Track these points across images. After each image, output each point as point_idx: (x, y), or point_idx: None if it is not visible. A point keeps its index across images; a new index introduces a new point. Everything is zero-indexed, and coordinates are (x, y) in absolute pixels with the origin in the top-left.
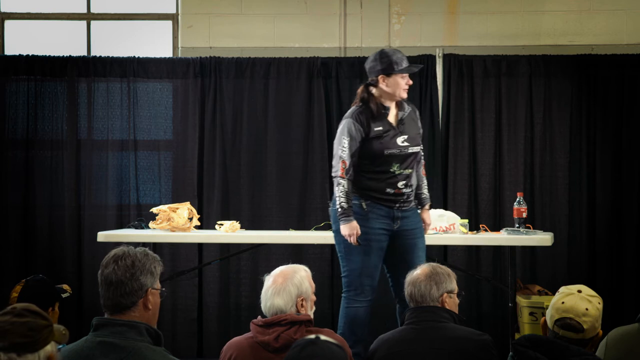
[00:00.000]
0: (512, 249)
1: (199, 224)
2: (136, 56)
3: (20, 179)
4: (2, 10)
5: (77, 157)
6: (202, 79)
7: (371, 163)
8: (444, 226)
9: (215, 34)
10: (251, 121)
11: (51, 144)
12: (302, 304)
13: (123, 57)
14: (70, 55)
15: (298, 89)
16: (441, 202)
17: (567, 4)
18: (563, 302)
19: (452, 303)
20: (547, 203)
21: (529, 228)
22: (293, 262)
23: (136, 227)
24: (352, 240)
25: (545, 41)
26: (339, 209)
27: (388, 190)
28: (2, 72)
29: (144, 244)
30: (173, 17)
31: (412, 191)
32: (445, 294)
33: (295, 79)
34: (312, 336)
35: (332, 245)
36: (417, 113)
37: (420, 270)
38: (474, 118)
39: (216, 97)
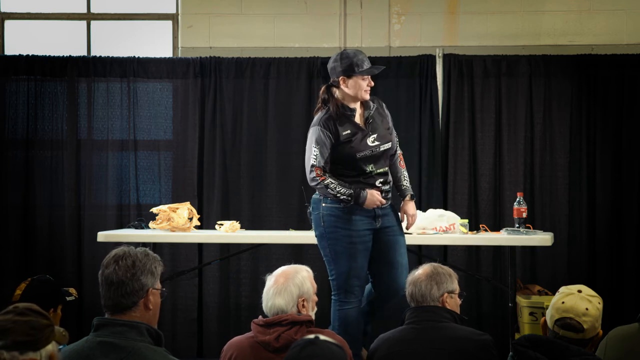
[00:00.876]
0: (512, 249)
1: (199, 224)
2: (136, 56)
3: (20, 179)
4: (2, 10)
5: (77, 157)
6: (202, 79)
7: (345, 167)
8: (444, 226)
9: (215, 34)
10: (251, 121)
11: (51, 144)
12: (303, 305)
13: (123, 57)
14: (70, 55)
15: (298, 89)
16: (441, 202)
17: (567, 4)
18: (563, 302)
19: (453, 303)
20: (547, 203)
21: (529, 228)
22: (293, 262)
23: (136, 227)
24: (382, 201)
25: (545, 41)
26: (348, 198)
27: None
28: (2, 72)
29: (144, 244)
30: (173, 17)
31: (390, 188)
32: (446, 294)
33: (295, 79)
34: (312, 336)
35: None
36: (384, 106)
37: (421, 270)
38: (474, 118)
39: (216, 97)
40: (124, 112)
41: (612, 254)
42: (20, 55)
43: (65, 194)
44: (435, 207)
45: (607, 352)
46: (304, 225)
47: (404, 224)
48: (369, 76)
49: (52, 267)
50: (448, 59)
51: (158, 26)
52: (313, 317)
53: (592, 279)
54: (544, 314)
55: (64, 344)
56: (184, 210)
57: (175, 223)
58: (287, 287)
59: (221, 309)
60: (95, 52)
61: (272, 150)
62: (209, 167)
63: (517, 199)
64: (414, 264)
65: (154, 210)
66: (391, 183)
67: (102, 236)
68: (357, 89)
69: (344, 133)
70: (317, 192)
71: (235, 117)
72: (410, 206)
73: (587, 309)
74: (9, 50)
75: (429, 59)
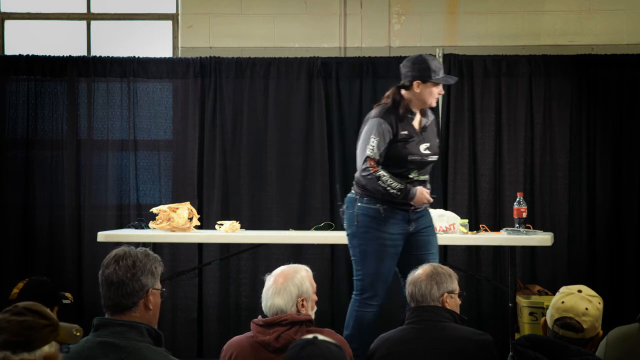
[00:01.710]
0: (512, 249)
1: (199, 224)
2: (136, 56)
3: (20, 179)
4: (2, 10)
5: (77, 157)
6: (202, 79)
7: (392, 167)
8: (444, 226)
9: (215, 34)
10: (251, 121)
11: (51, 144)
12: (302, 304)
13: (123, 57)
14: (70, 55)
15: (298, 89)
16: (441, 202)
17: (567, 4)
18: (563, 302)
19: (453, 303)
20: (547, 203)
21: (529, 228)
22: (293, 262)
23: (136, 227)
24: (429, 199)
25: (545, 41)
26: (398, 193)
27: None
28: (2, 72)
29: (144, 244)
30: (173, 17)
31: None
32: (446, 294)
33: (295, 79)
34: (310, 336)
35: (332, 245)
36: (437, 124)
37: (421, 270)
38: (474, 118)
39: (216, 97)
40: (124, 112)
41: (612, 254)
42: (20, 55)
43: (65, 194)
44: (435, 207)
45: (607, 352)
46: (303, 226)
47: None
48: (441, 85)
49: (52, 267)
50: (448, 59)
51: (158, 26)
52: (313, 316)
53: (592, 279)
54: (544, 314)
55: (73, 344)
56: (184, 210)
57: (175, 223)
58: (286, 287)
59: (221, 309)
60: (95, 52)
61: (272, 150)
62: (209, 167)
63: (517, 199)
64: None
65: (154, 210)
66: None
67: (102, 236)
68: (429, 95)
69: (402, 132)
70: (352, 191)
71: (235, 117)
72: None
73: (587, 308)
74: (9, 50)
75: None
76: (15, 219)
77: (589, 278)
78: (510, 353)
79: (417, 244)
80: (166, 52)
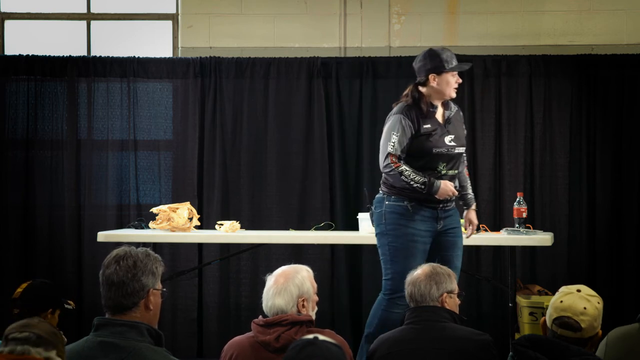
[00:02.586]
0: (512, 249)
1: (199, 224)
2: (136, 56)
3: (20, 179)
4: (2, 10)
5: (77, 157)
6: (202, 79)
7: (418, 162)
8: None
9: (215, 34)
10: (251, 121)
11: (51, 144)
12: (303, 305)
13: (123, 57)
14: (70, 55)
15: (298, 89)
16: None
17: (567, 4)
18: (562, 301)
19: (453, 303)
20: (547, 203)
21: (529, 228)
22: (293, 262)
23: (136, 227)
24: (455, 192)
25: (545, 41)
26: (422, 187)
27: None
28: (2, 72)
29: (144, 244)
30: (173, 17)
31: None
32: (445, 294)
33: (295, 79)
34: (311, 336)
35: (332, 245)
36: (461, 114)
37: (420, 271)
38: (474, 118)
39: (216, 97)
40: (124, 112)
41: (612, 254)
42: (20, 55)
43: (65, 194)
44: None
45: (607, 352)
46: (303, 226)
47: (466, 232)
48: (457, 73)
49: (52, 267)
50: None
51: (158, 26)
52: (313, 317)
53: (592, 279)
54: (544, 314)
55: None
56: (184, 210)
57: (175, 223)
58: (287, 287)
59: (221, 309)
60: (95, 52)
61: (272, 150)
62: (209, 167)
63: (517, 199)
64: None
65: (154, 210)
66: (457, 188)
67: (102, 236)
68: (446, 86)
69: (425, 126)
70: (380, 192)
71: (235, 117)
72: (474, 215)
73: (585, 308)
74: (9, 50)
75: None
76: (15, 219)
77: (589, 278)
78: (510, 353)
79: (444, 244)
80: (166, 52)
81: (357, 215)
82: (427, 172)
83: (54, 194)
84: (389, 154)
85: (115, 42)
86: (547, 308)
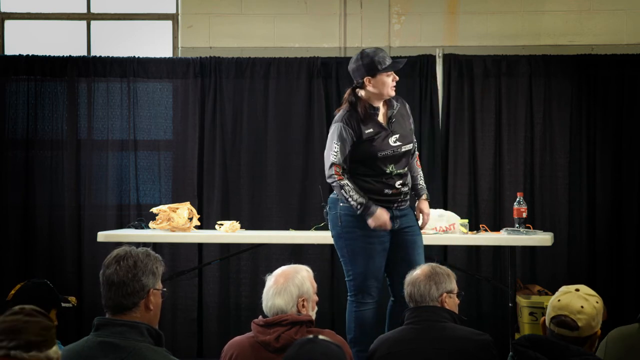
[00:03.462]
0: (512, 249)
1: (199, 224)
2: (136, 56)
3: (20, 179)
4: (2, 10)
5: (77, 157)
6: (202, 79)
7: (365, 166)
8: (444, 226)
9: (215, 34)
10: (251, 121)
11: (51, 144)
12: (303, 305)
13: (123, 57)
14: (70, 55)
15: (298, 89)
16: (441, 202)
17: (567, 4)
18: (559, 300)
19: (452, 303)
20: (547, 203)
21: (529, 228)
22: (293, 262)
23: (136, 227)
24: (388, 226)
25: (545, 41)
26: (358, 206)
27: (386, 191)
28: (2, 72)
29: (144, 244)
30: (173, 17)
31: (408, 189)
32: (445, 294)
33: (295, 79)
34: (310, 336)
35: (332, 245)
36: (407, 106)
37: (419, 271)
38: (474, 118)
39: (216, 97)
40: (124, 112)
41: (612, 254)
42: (20, 55)
43: (65, 194)
44: (435, 207)
45: (607, 352)
46: (303, 226)
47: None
48: (394, 71)
49: (52, 267)
50: (448, 59)
51: (158, 26)
52: (313, 317)
53: (592, 279)
54: (544, 314)
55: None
56: (184, 210)
57: (175, 223)
58: (287, 288)
59: (221, 309)
60: (95, 52)
61: (272, 150)
62: (209, 167)
63: (517, 199)
64: None
65: (154, 210)
66: (410, 185)
67: (102, 236)
68: (383, 87)
69: (366, 131)
70: (334, 192)
71: (235, 117)
72: (425, 205)
73: (582, 306)
74: (9, 50)
75: (429, 59)
76: (15, 219)
77: (589, 278)
78: (510, 353)
79: (404, 244)
80: (166, 52)
81: None
82: (377, 175)
83: (54, 194)
84: (333, 164)
85: (115, 42)
86: (547, 308)
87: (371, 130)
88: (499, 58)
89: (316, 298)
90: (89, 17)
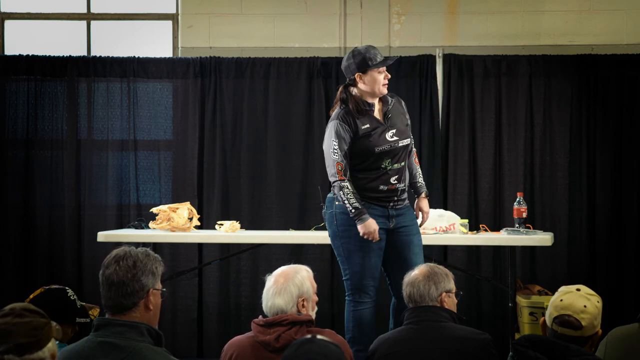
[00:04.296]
0: (512, 249)
1: (199, 224)
2: (136, 56)
3: (20, 179)
4: (2, 10)
5: (77, 157)
6: (202, 79)
7: (362, 162)
8: (444, 226)
9: (215, 34)
10: (251, 121)
11: (51, 144)
12: (303, 304)
13: (123, 57)
14: (70, 55)
15: (298, 89)
16: (441, 202)
17: (567, 4)
18: (562, 300)
19: (451, 302)
20: (547, 203)
21: (529, 228)
22: (293, 262)
23: (136, 227)
24: (374, 237)
25: (545, 41)
26: (352, 210)
27: (382, 187)
28: (2, 72)
29: (144, 244)
30: (173, 17)
31: (405, 186)
32: (444, 294)
33: (295, 79)
34: (309, 335)
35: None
36: (403, 103)
37: (418, 271)
38: (474, 118)
39: (216, 97)
40: (124, 112)
41: (612, 254)
42: (20, 55)
43: (65, 194)
44: (435, 207)
45: (607, 352)
46: (303, 226)
47: (418, 222)
48: (385, 69)
49: (52, 267)
50: (448, 59)
51: (158, 26)
52: (313, 317)
53: (592, 279)
54: (544, 314)
55: (58, 340)
56: (184, 210)
57: (175, 223)
58: (287, 287)
59: (221, 309)
60: (95, 52)
61: (272, 150)
62: (209, 167)
63: (517, 199)
64: None
65: (154, 210)
66: (407, 182)
67: (102, 236)
68: (374, 84)
69: (363, 127)
70: (331, 190)
71: (235, 117)
72: (425, 203)
73: (585, 306)
74: (9, 50)
75: (429, 59)
76: (15, 219)
77: (589, 278)
78: (510, 353)
79: (399, 244)
80: (166, 52)
81: None
82: (372, 170)
83: (54, 194)
84: (336, 162)
85: (115, 42)
86: (547, 308)
87: (367, 125)
88: (499, 58)
89: (316, 298)
90: (89, 17)
